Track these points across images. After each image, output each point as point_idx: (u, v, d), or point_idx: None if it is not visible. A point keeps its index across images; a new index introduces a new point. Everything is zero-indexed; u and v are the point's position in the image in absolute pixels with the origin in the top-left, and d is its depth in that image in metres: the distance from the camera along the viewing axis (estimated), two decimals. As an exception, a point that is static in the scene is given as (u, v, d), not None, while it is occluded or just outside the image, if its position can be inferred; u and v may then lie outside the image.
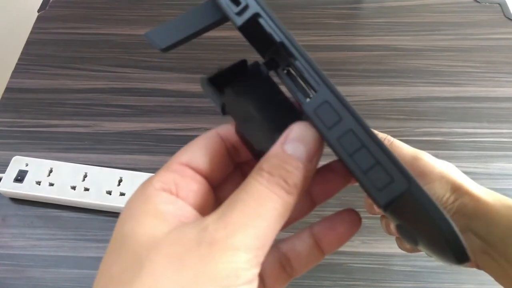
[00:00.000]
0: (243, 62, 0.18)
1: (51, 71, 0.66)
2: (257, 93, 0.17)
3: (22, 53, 0.68)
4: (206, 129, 0.18)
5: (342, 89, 0.15)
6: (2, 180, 0.51)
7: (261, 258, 0.15)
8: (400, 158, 0.30)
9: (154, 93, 0.63)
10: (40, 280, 0.46)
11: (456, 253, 0.13)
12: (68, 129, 0.59)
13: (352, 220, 0.18)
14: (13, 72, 0.66)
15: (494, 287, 0.28)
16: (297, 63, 0.16)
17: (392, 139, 0.32)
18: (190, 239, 0.15)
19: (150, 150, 0.57)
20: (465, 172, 0.29)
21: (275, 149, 0.16)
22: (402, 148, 0.31)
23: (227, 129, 0.18)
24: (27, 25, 0.72)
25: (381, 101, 0.63)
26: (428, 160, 0.29)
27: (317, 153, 0.16)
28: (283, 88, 0.18)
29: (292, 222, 0.19)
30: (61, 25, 0.72)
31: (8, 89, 0.64)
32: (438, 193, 0.28)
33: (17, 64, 0.67)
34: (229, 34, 0.70)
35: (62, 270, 0.47)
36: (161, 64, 0.66)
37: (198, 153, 0.17)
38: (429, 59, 0.67)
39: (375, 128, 0.30)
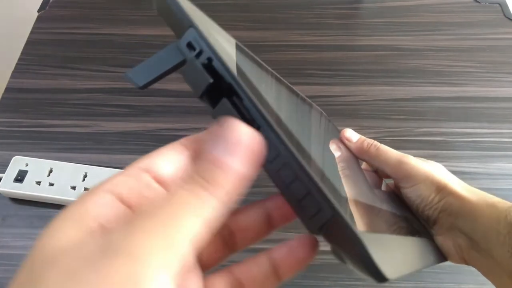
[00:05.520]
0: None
1: (51, 71, 0.66)
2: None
3: (22, 53, 0.68)
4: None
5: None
6: (2, 180, 0.51)
7: (177, 269, 0.13)
8: (386, 163, 0.31)
9: (154, 93, 0.63)
10: (40, 280, 0.46)
11: (373, 274, 0.15)
12: (68, 129, 0.59)
13: (311, 245, 0.18)
14: (13, 72, 0.66)
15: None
16: (244, 102, 0.17)
17: (378, 144, 0.32)
18: (92, 250, 0.13)
19: (150, 150, 0.56)
20: (465, 172, 0.30)
21: (207, 153, 0.15)
22: (388, 153, 0.32)
23: (191, 140, 0.18)
24: (27, 25, 0.72)
25: (381, 101, 0.63)
26: (413, 163, 0.30)
27: (258, 158, 0.15)
28: None
29: (254, 242, 0.19)
30: (61, 25, 0.72)
31: (8, 89, 0.64)
32: (423, 194, 0.30)
33: (17, 64, 0.67)
34: (232, 34, 0.70)
35: (62, 270, 0.47)
36: (161, 64, 0.66)
37: (158, 160, 0.16)
38: (429, 59, 0.67)
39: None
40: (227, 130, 0.15)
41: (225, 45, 0.21)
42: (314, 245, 0.18)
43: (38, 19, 0.73)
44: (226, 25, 0.18)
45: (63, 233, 0.13)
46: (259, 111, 0.17)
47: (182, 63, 0.18)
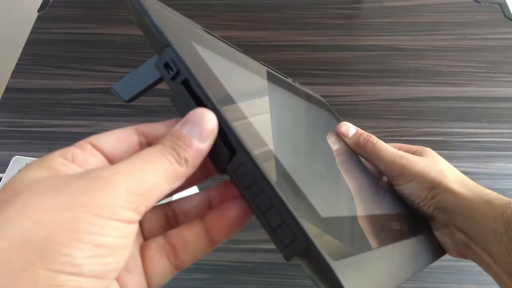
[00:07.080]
0: None
1: (51, 71, 0.66)
2: None
3: (22, 53, 0.68)
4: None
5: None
6: (2, 180, 0.51)
7: (141, 207, 0.16)
8: (380, 160, 0.31)
9: (154, 93, 0.62)
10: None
11: None
12: (68, 129, 0.59)
13: (244, 207, 0.18)
14: (13, 72, 0.66)
15: (494, 287, 0.28)
16: (222, 125, 0.17)
17: (375, 140, 0.32)
18: (73, 175, 0.15)
19: (150, 150, 0.57)
20: (465, 172, 0.30)
21: (174, 129, 0.18)
22: (383, 150, 0.31)
23: (146, 127, 0.20)
24: (27, 25, 0.72)
25: (381, 101, 0.63)
26: (405, 162, 0.30)
27: (209, 136, 0.17)
28: None
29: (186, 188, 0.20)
30: (61, 25, 0.72)
31: (8, 89, 0.64)
32: (416, 191, 0.29)
33: (17, 64, 0.67)
34: (232, 34, 0.70)
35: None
36: (161, 64, 0.66)
37: (104, 137, 0.19)
38: (429, 59, 0.67)
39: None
40: (189, 113, 0.18)
41: (220, 59, 0.20)
42: (247, 209, 0.18)
43: (38, 19, 0.73)
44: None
45: (38, 172, 0.16)
46: (235, 135, 0.16)
47: (160, 80, 0.19)
